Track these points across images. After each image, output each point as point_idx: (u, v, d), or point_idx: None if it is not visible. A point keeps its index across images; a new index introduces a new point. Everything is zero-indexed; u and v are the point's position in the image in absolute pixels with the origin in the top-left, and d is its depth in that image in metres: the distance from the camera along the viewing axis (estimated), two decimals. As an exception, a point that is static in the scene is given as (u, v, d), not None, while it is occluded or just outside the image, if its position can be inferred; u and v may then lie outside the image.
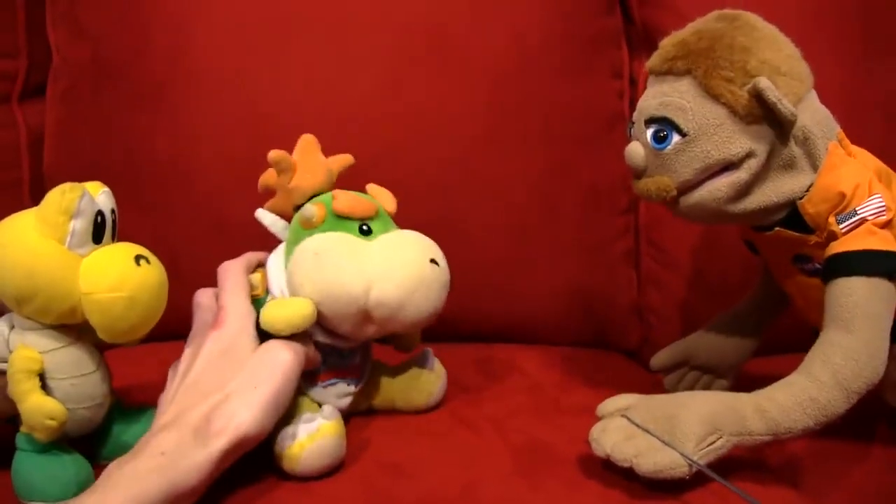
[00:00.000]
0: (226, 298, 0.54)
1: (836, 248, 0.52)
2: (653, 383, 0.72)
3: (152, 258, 0.49)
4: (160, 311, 0.49)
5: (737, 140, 0.52)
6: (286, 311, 0.52)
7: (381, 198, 0.59)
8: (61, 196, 0.46)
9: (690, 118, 0.52)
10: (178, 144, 0.77)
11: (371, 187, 0.60)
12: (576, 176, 0.81)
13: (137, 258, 0.47)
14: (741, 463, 0.53)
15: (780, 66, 0.52)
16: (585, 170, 0.82)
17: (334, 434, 0.50)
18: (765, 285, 0.67)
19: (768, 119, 0.51)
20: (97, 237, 0.47)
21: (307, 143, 0.59)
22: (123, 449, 0.47)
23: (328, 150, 0.62)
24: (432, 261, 0.55)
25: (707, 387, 0.70)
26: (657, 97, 0.54)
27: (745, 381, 0.72)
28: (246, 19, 0.77)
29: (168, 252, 0.73)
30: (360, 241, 0.55)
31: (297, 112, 0.76)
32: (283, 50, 0.77)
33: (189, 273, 0.74)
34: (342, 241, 0.54)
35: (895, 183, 0.56)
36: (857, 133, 0.58)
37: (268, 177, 0.60)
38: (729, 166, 0.53)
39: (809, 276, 0.56)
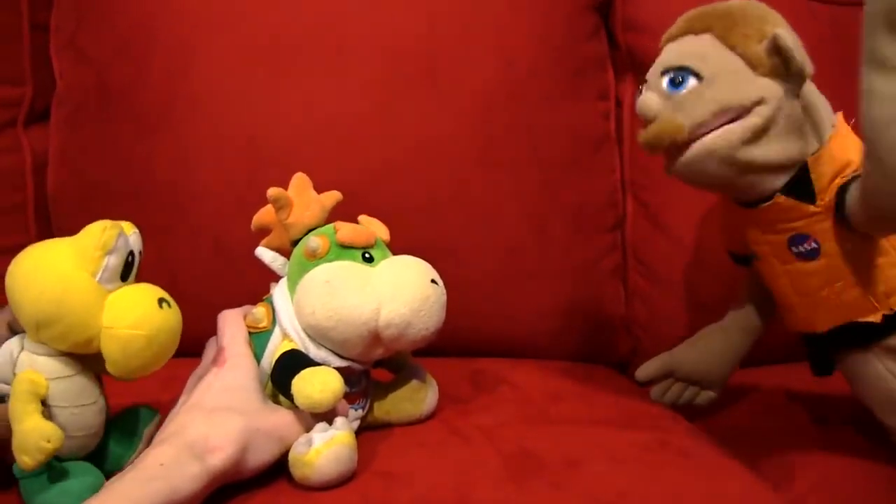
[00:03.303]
0: (226, 341, 0.56)
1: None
2: (640, 395, 0.73)
3: (173, 303, 0.50)
4: (170, 354, 0.50)
5: (751, 87, 0.55)
6: (322, 387, 0.52)
7: (375, 227, 0.61)
8: (101, 232, 0.48)
9: (708, 63, 0.55)
10: (178, 168, 0.78)
11: (363, 218, 0.62)
12: (564, 195, 0.83)
13: (160, 301, 0.49)
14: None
15: (790, 37, 0.55)
16: (574, 189, 0.84)
17: (348, 443, 0.52)
18: (750, 298, 0.69)
19: (781, 73, 0.55)
20: (125, 275, 0.49)
21: (301, 181, 0.62)
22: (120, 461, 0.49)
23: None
24: (432, 281, 0.58)
25: (692, 398, 0.72)
26: (675, 50, 0.58)
27: (731, 393, 0.75)
28: (244, 47, 0.79)
29: (168, 273, 0.76)
30: (365, 268, 0.57)
31: (293, 137, 0.78)
32: (280, 76, 0.78)
33: (188, 293, 0.75)
34: (349, 268, 0.56)
35: None
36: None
37: (263, 216, 0.62)
38: (740, 115, 0.55)
39: (806, 260, 0.58)
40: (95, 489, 0.48)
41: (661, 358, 0.72)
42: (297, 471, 0.51)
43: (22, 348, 0.50)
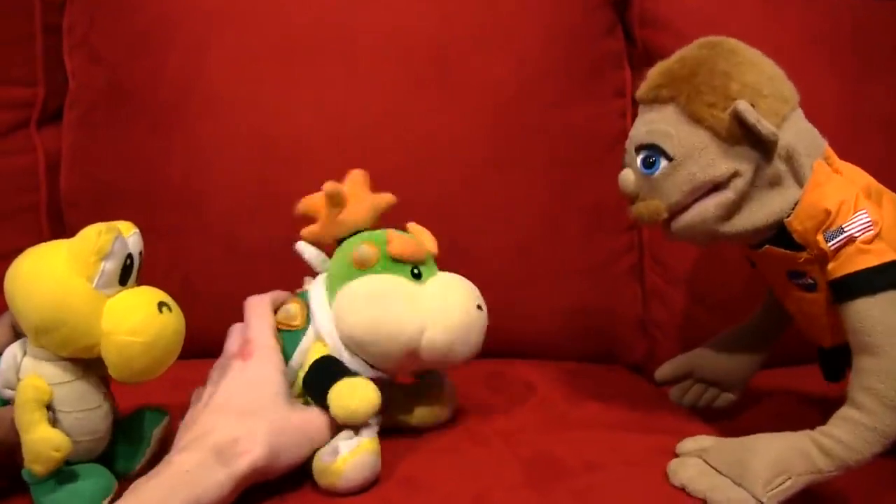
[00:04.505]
0: (252, 332, 0.55)
1: (836, 272, 0.53)
2: (658, 396, 0.73)
3: (174, 306, 0.49)
4: (174, 357, 0.49)
5: (721, 162, 0.53)
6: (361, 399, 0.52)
7: (424, 238, 0.60)
8: (97, 237, 0.47)
9: (676, 143, 0.54)
10: (191, 168, 0.78)
11: (412, 226, 0.61)
12: (580, 195, 0.82)
13: (160, 305, 0.48)
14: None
15: (762, 88, 0.53)
16: (589, 189, 0.83)
17: (374, 450, 0.51)
18: (771, 300, 0.68)
19: (751, 139, 0.53)
20: (124, 279, 0.48)
21: (358, 178, 0.60)
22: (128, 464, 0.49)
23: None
24: (478, 307, 0.57)
25: (712, 400, 0.71)
26: (645, 125, 0.56)
27: (752, 395, 0.74)
28: (258, 46, 0.78)
29: (181, 273, 0.76)
30: (413, 285, 0.56)
31: (306, 137, 0.77)
32: (294, 76, 0.78)
33: (202, 293, 0.76)
34: (397, 285, 0.55)
35: (886, 198, 0.57)
36: (855, 151, 0.59)
37: (311, 202, 0.59)
38: (716, 187, 0.54)
39: (805, 291, 0.57)
40: (107, 490, 0.48)
41: (681, 359, 0.71)
42: (323, 480, 0.51)
43: (25, 353, 0.49)
